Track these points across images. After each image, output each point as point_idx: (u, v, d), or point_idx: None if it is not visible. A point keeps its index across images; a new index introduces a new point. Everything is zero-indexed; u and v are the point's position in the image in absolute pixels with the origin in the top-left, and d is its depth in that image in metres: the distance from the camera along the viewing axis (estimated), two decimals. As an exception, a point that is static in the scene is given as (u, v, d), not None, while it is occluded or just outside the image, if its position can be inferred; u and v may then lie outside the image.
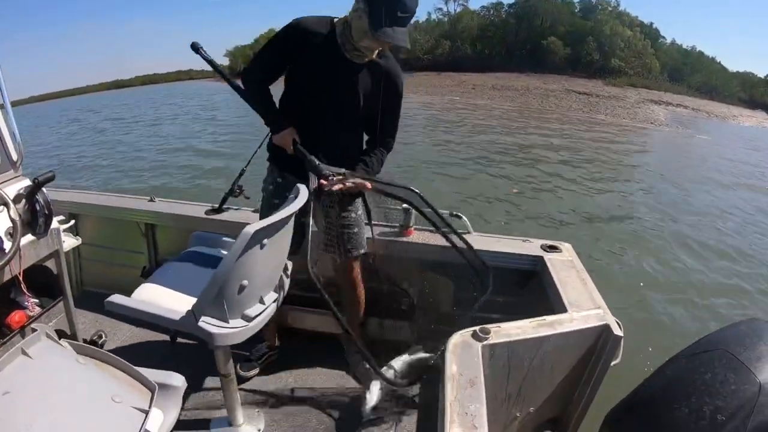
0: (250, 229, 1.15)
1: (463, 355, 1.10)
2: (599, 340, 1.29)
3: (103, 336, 2.11)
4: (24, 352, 0.95)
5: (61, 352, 1.03)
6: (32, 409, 0.84)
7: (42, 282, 1.56)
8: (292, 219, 1.45)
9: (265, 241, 1.27)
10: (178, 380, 1.16)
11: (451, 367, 1.06)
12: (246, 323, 1.35)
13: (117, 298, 1.35)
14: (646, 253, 4.84)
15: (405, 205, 1.91)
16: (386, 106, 1.63)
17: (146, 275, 2.01)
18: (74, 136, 14.63)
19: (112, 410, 0.94)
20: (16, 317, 1.42)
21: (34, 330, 1.45)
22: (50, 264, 1.58)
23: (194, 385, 1.89)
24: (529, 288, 1.88)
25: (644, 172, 8.34)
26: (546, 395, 1.36)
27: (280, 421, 1.74)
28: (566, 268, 1.64)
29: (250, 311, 1.37)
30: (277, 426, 1.72)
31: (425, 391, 1.83)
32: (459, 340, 1.15)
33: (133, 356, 1.97)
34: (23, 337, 1.45)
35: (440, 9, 48.63)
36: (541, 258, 1.77)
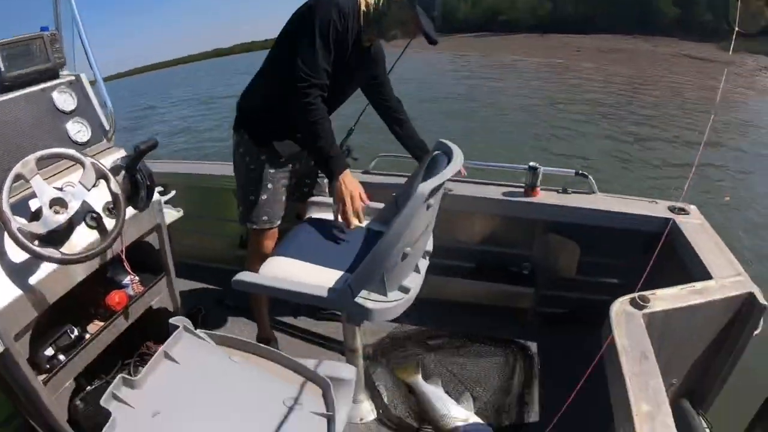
0: (425, 188, 1.00)
1: (628, 326, 1.05)
2: (742, 309, 1.24)
3: (202, 310, 2.06)
4: (168, 356, 0.82)
5: (209, 350, 0.89)
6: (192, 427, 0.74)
7: (141, 257, 1.42)
8: None
9: (432, 200, 1.12)
10: (349, 372, 1.04)
11: (622, 340, 1.01)
12: (403, 295, 1.21)
13: (246, 276, 1.24)
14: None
15: (532, 163, 1.82)
16: (384, 75, 1.70)
17: (244, 245, 1.94)
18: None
19: (289, 417, 0.83)
20: (116, 298, 1.30)
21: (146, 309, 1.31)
22: (149, 238, 1.45)
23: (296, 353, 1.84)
24: (655, 253, 1.73)
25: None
26: (688, 366, 1.32)
27: (399, 405, 1.66)
28: (699, 232, 1.58)
29: (408, 282, 1.24)
30: (395, 407, 1.65)
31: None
32: (620, 308, 1.10)
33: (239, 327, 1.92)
34: (126, 318, 1.34)
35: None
36: (671, 221, 1.67)
